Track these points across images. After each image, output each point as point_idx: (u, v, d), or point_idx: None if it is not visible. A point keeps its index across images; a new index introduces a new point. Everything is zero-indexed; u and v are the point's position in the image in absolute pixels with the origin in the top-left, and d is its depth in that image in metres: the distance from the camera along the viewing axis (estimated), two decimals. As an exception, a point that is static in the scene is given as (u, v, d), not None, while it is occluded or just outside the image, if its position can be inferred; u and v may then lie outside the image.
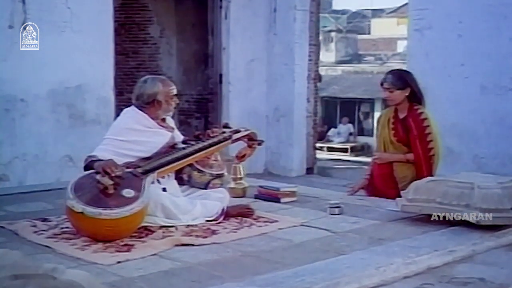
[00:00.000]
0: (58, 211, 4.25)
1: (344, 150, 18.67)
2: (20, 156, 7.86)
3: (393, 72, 4.71)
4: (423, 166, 4.48)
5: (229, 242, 3.57)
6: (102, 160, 3.79)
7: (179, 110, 11.68)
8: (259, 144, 4.35)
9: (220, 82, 9.70)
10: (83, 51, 8.27)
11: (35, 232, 3.76)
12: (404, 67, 18.26)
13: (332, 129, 19.90)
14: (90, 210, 3.44)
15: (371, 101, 20.02)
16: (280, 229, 3.84)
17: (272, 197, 4.59)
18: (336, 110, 20.41)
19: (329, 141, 19.40)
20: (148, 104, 4.04)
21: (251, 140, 4.33)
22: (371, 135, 19.77)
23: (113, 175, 3.58)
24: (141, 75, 11.48)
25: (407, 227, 3.84)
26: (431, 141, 4.53)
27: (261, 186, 4.72)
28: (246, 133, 4.30)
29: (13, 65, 7.69)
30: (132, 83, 11.37)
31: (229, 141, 4.19)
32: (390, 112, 4.65)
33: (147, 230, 3.75)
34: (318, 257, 3.30)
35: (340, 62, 22.18)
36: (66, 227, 3.80)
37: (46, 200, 4.69)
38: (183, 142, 4.15)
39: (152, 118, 4.07)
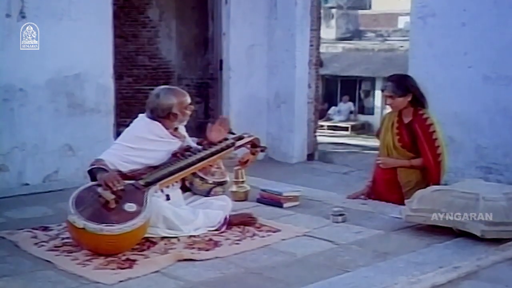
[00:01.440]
0: (58, 217, 4.22)
1: (345, 129, 18.61)
2: (20, 146, 7.80)
3: (393, 79, 4.62)
4: (434, 171, 4.42)
5: (232, 256, 3.53)
6: (106, 169, 3.73)
7: (179, 94, 11.62)
8: (262, 151, 4.29)
9: (221, 68, 9.60)
10: (82, 38, 8.15)
11: (36, 243, 3.72)
12: (405, 44, 17.99)
13: (333, 108, 19.79)
14: (91, 226, 3.40)
15: (371, 80, 19.90)
16: (283, 240, 3.80)
17: (275, 201, 4.54)
18: (336, 88, 20.29)
19: (329, 119, 19.32)
20: (163, 118, 3.98)
21: (254, 146, 4.27)
22: (372, 114, 19.72)
23: (114, 189, 3.53)
24: (140, 59, 11.49)
25: (411, 239, 3.79)
26: (438, 146, 4.47)
27: (263, 190, 4.67)
28: (249, 139, 4.24)
29: (11, 54, 7.59)
30: (131, 67, 11.41)
31: (232, 148, 4.13)
32: (394, 115, 4.57)
33: (148, 242, 3.71)
34: (321, 274, 3.26)
35: (340, 39, 21.99)
36: (67, 237, 3.76)
37: (46, 204, 4.64)
38: (185, 149, 4.08)
39: (166, 128, 4.01)
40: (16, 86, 7.65)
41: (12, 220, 4.26)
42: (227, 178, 4.17)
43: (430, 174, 4.41)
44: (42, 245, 3.70)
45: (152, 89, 11.58)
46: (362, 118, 19.67)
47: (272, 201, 4.55)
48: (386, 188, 4.58)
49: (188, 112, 4.08)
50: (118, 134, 8.83)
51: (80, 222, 3.42)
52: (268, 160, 10.05)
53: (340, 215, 4.16)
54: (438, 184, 4.41)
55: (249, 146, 4.25)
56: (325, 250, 3.63)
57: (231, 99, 9.69)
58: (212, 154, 4.00)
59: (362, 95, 20.20)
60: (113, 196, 3.51)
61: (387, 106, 4.54)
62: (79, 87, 8.20)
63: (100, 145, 8.40)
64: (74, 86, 8.16)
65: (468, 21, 7.79)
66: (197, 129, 11.27)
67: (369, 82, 20.01)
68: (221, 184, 4.08)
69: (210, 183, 4.03)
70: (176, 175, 3.85)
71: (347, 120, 19.41)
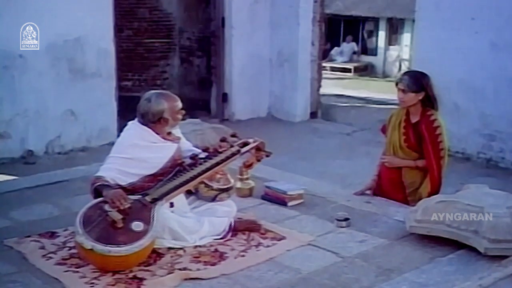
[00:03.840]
0: (64, 219, 4.23)
1: (347, 70, 18.40)
2: (21, 112, 7.79)
3: (410, 73, 4.53)
4: (435, 172, 4.39)
5: (237, 272, 3.55)
6: (109, 185, 3.71)
7: (180, 48, 11.47)
8: (267, 156, 4.25)
9: (223, 25, 9.44)
10: (81, 1, 8.00)
11: (44, 256, 3.74)
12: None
13: (335, 48, 19.49)
14: (99, 247, 3.41)
15: (375, 20, 19.56)
16: (288, 250, 3.82)
17: (279, 200, 4.54)
18: (339, 28, 19.95)
19: (332, 60, 19.09)
20: (154, 123, 3.90)
21: (259, 150, 4.23)
22: (375, 55, 19.47)
23: (121, 208, 3.53)
24: (140, 11, 11.26)
25: (414, 251, 3.80)
26: (442, 149, 4.42)
27: (268, 187, 4.66)
28: (254, 145, 4.17)
29: (9, 20, 7.46)
30: (132, 19, 11.21)
31: (237, 155, 4.09)
32: (402, 114, 4.50)
33: (155, 254, 3.73)
34: (326, 297, 3.32)
35: (344, -25, 21.33)
36: (73, 247, 3.79)
37: (52, 201, 4.62)
38: (191, 157, 4.04)
39: (157, 133, 3.94)
40: (16, 53, 7.56)
41: (19, 223, 4.27)
42: (232, 184, 4.15)
43: (430, 176, 4.39)
44: (50, 257, 3.73)
45: (153, 43, 11.53)
46: (365, 59, 19.42)
47: (277, 199, 4.55)
48: (391, 187, 4.56)
49: (179, 117, 3.98)
50: (120, 88, 8.82)
51: (88, 244, 3.43)
52: (271, 119, 10.03)
53: (344, 220, 4.16)
54: (438, 186, 4.41)
55: (253, 150, 4.20)
56: (329, 264, 3.64)
57: (233, 57, 9.60)
58: (217, 163, 3.97)
59: (365, 36, 19.90)
60: (121, 216, 3.50)
61: (399, 99, 4.46)
62: (79, 52, 8.10)
63: (102, 109, 8.40)
64: (75, 50, 8.06)
65: (477, -15, 7.63)
66: (199, 83, 11.22)
67: (372, 22, 19.66)
68: (226, 190, 4.07)
69: (215, 190, 4.02)
70: (182, 188, 3.83)
71: (350, 61, 19.16)
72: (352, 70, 18.51)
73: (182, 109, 3.98)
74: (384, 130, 4.70)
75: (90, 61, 8.16)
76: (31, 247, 3.87)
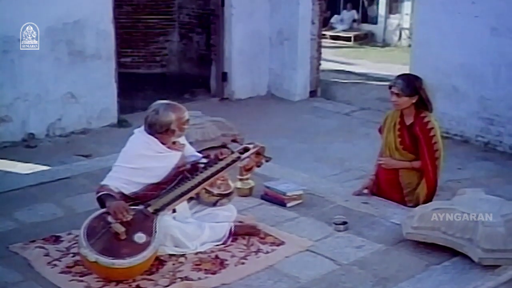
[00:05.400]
0: (67, 221, 4.32)
1: (347, 39, 18.27)
2: (22, 96, 7.82)
3: (403, 77, 4.54)
4: (431, 173, 4.48)
5: (237, 282, 3.64)
6: (113, 195, 3.78)
7: (180, 24, 11.41)
8: (267, 161, 4.31)
9: (222, 5, 9.38)
10: (80, -17, 7.97)
11: (49, 263, 3.83)
12: None
13: (335, 16, 19.31)
14: (103, 260, 3.50)
15: (376, -13, 19.35)
16: (287, 257, 3.91)
17: (278, 200, 4.61)
18: (340, -5, 19.76)
19: (332, 28, 18.95)
20: (161, 133, 3.95)
21: (259, 154, 4.27)
22: (375, 23, 19.30)
23: (124, 219, 3.60)
24: (139, -13, 11.15)
25: (410, 258, 3.88)
26: (437, 150, 4.49)
27: (267, 187, 4.72)
28: (254, 150, 4.21)
29: (7, 3, 7.44)
30: (129, -6, 11.09)
31: (238, 162, 4.14)
32: (396, 115, 4.55)
33: (157, 261, 3.81)
34: (323, 308, 3.42)
35: None
36: (78, 253, 3.86)
37: (55, 200, 4.68)
38: (192, 165, 4.10)
39: (163, 143, 4.00)
40: (15, 37, 7.55)
41: (23, 225, 4.34)
42: (233, 189, 4.21)
43: (426, 177, 4.47)
44: (55, 265, 3.81)
45: (153, 19, 11.44)
46: (365, 27, 19.26)
47: (276, 200, 4.61)
48: (388, 187, 4.64)
49: (186, 127, 4.04)
50: (119, 65, 8.78)
51: (92, 256, 3.52)
52: (271, 97, 10.05)
53: (342, 223, 4.23)
54: (434, 187, 4.50)
55: (253, 155, 4.25)
56: (327, 272, 3.72)
57: (233, 36, 9.57)
58: (218, 171, 4.02)
59: (366, 3, 19.70)
60: (123, 229, 3.58)
61: (393, 102, 4.52)
62: (79, 34, 8.09)
63: (102, 90, 8.42)
64: (74, 33, 8.06)
65: (478, -32, 7.58)
66: (199, 60, 11.19)
67: (373, -11, 19.46)
68: (226, 195, 4.13)
69: (216, 195, 4.09)
70: (184, 197, 3.89)
71: (350, 29, 19.02)
72: (352, 39, 18.38)
73: (188, 120, 4.03)
74: (381, 130, 4.76)
75: (90, 43, 8.16)
76: (36, 253, 3.95)
